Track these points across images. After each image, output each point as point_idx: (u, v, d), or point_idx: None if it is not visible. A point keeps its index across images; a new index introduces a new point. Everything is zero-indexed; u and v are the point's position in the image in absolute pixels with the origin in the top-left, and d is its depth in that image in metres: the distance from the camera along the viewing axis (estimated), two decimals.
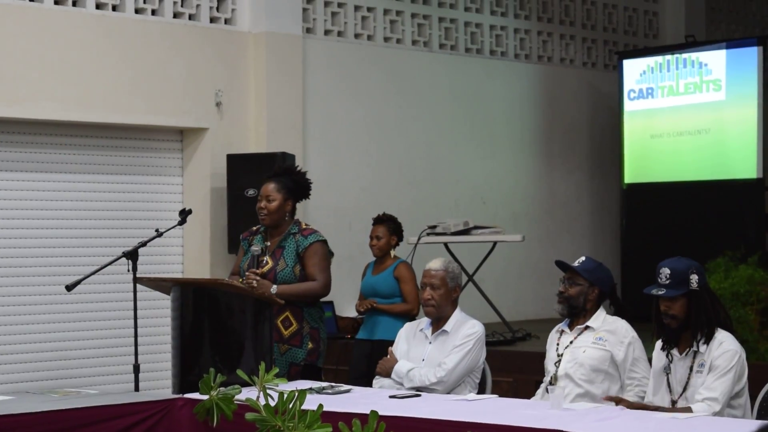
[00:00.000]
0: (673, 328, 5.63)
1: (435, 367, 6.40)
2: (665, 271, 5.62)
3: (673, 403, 5.63)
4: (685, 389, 5.60)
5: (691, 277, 5.60)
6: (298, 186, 7.07)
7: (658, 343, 5.79)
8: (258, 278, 6.88)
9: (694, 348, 5.60)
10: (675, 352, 5.68)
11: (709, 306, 5.65)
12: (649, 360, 5.94)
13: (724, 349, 5.55)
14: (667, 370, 5.69)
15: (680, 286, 5.59)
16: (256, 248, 7.02)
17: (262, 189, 7.06)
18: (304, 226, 7.03)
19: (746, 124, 11.45)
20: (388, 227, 8.83)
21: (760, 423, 4.92)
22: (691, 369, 5.60)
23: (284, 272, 6.89)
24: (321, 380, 6.86)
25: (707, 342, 5.58)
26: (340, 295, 10.44)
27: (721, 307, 5.78)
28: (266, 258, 6.96)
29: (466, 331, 6.47)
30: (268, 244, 7.02)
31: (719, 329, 5.62)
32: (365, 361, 8.54)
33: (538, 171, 12.57)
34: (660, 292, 5.61)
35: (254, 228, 7.22)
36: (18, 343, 9.13)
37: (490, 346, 6.92)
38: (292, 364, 6.93)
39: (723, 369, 5.50)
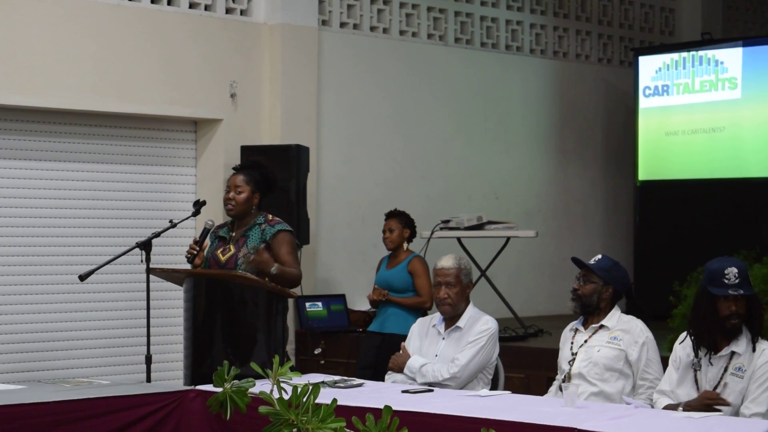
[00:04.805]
0: (737, 328, 5.44)
1: (448, 363, 6.37)
2: (733, 271, 5.41)
3: None
4: (714, 388, 5.47)
5: (750, 278, 5.48)
6: (265, 180, 7.00)
7: (683, 336, 5.65)
8: (197, 249, 6.89)
9: (734, 349, 5.46)
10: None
11: (761, 309, 5.54)
12: (665, 358, 5.88)
13: (767, 358, 5.42)
14: (696, 366, 5.55)
15: (749, 285, 5.43)
16: (209, 221, 7.04)
17: (230, 180, 6.99)
18: (270, 218, 6.97)
19: (762, 122, 11.40)
20: (401, 220, 8.85)
21: None
22: (725, 369, 5.47)
23: (247, 258, 6.77)
24: None
25: (750, 345, 5.46)
26: (352, 288, 10.45)
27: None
28: (230, 245, 6.91)
29: (479, 327, 6.44)
30: (233, 234, 6.97)
31: (760, 338, 5.49)
32: (374, 352, 8.56)
33: (552, 167, 12.54)
34: (739, 292, 5.39)
35: (222, 222, 7.21)
36: (30, 332, 9.13)
37: (502, 342, 6.90)
38: None
39: (766, 380, 5.38)
